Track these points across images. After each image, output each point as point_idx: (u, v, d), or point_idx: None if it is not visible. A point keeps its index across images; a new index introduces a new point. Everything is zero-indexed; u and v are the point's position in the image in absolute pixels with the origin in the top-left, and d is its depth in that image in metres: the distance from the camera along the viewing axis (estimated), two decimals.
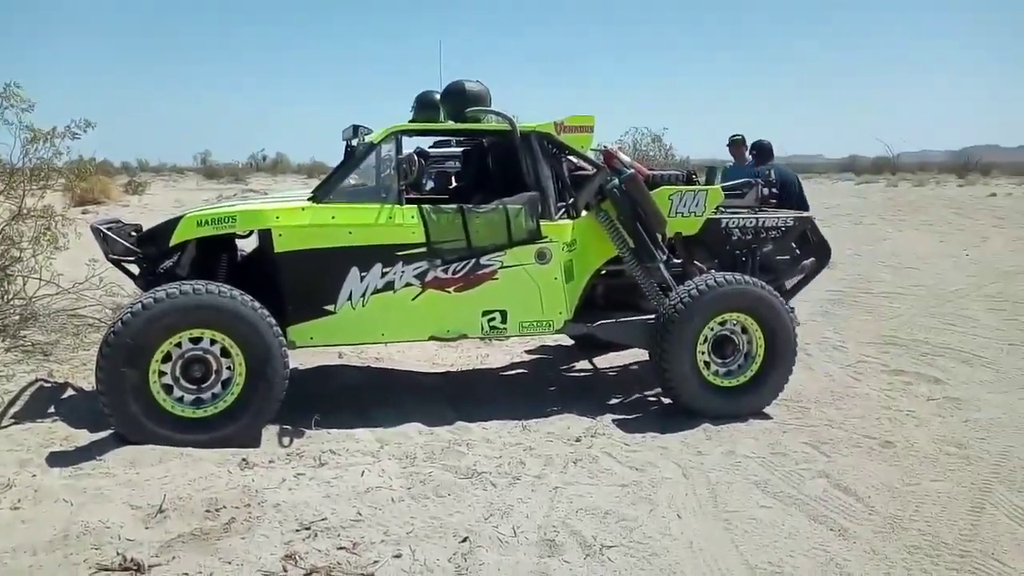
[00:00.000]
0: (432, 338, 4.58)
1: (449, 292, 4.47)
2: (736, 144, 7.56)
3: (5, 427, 4.15)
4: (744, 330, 4.69)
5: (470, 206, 4.51)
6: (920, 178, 34.04)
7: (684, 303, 4.52)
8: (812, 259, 5.49)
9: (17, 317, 5.82)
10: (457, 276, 4.47)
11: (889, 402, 4.97)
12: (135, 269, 4.64)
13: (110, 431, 3.94)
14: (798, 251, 5.46)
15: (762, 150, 7.23)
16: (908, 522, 3.32)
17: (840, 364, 5.88)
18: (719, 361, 4.68)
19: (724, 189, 5.14)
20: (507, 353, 6.27)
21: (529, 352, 6.35)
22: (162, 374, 3.93)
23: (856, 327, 7.11)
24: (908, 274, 10.16)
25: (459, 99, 4.79)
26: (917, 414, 4.74)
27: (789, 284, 5.51)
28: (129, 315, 3.85)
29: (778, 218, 5.24)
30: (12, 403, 4.50)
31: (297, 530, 3.06)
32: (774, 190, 5.77)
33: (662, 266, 4.78)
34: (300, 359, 5.58)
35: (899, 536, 3.20)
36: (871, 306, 8.11)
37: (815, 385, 5.29)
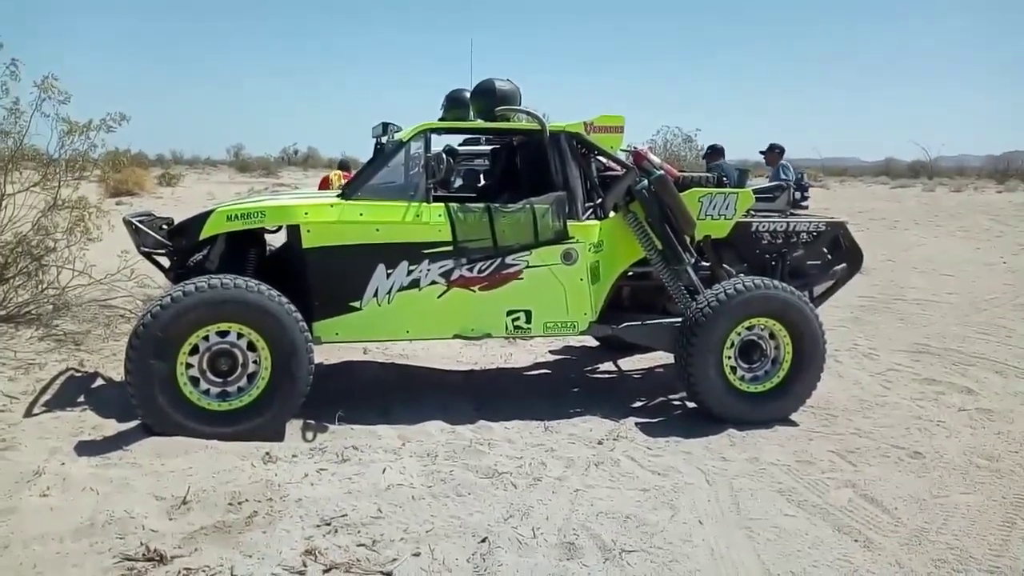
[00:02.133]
0: (456, 336, 4.58)
1: (474, 291, 4.47)
2: (768, 152, 8.25)
3: (36, 415, 4.22)
4: (772, 335, 4.63)
5: (497, 205, 4.51)
6: (958, 183, 33.46)
7: (711, 307, 4.47)
8: (844, 264, 5.40)
9: (50, 306, 5.93)
10: (483, 275, 4.47)
11: (919, 412, 4.87)
12: (166, 262, 4.71)
13: (137, 422, 3.99)
14: (829, 256, 5.38)
15: (714, 150, 8.34)
16: (935, 535, 3.25)
17: (870, 372, 5.78)
18: (745, 366, 4.62)
19: (755, 192, 5.09)
20: (531, 353, 6.25)
21: (553, 352, 6.33)
22: (189, 367, 3.98)
23: (887, 334, 7.00)
24: (943, 281, 9.98)
25: (489, 98, 4.78)
26: (948, 425, 4.64)
27: (819, 290, 5.44)
28: (158, 307, 3.89)
29: (809, 223, 5.17)
30: (43, 391, 4.58)
31: (318, 525, 3.08)
32: (806, 194, 5.71)
33: (689, 269, 4.74)
34: (325, 355, 5.61)
35: (926, 549, 3.13)
36: (903, 313, 7.97)
37: (844, 393, 5.21)
